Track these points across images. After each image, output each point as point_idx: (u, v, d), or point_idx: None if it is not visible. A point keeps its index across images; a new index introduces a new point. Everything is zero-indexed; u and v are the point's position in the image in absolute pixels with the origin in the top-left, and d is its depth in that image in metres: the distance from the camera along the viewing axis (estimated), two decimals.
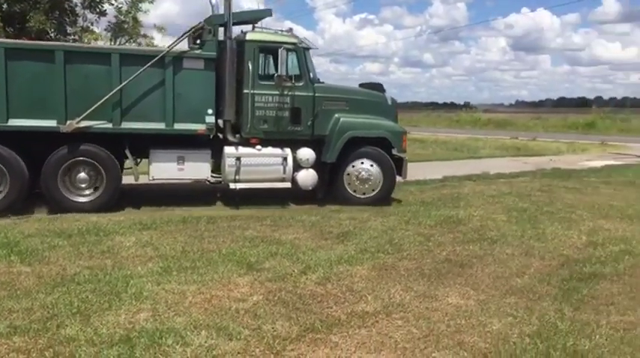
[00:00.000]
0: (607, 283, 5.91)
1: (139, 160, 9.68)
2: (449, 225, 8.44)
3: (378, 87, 11.24)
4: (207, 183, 10.18)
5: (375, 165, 10.18)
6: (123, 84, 8.85)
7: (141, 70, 8.87)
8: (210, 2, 9.68)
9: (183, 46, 9.42)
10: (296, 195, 10.29)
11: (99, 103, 8.73)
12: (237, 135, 9.70)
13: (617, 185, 13.19)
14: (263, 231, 7.87)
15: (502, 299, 5.36)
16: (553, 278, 6.03)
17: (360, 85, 11.53)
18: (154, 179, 9.45)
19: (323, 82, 10.39)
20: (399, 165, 10.33)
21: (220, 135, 9.82)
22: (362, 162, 10.14)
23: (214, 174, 9.76)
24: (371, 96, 10.66)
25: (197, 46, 9.37)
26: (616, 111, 44.43)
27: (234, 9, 9.50)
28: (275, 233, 7.74)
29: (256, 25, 10.07)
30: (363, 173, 10.14)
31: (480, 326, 4.67)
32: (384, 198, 10.29)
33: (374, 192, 10.22)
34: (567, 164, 17.66)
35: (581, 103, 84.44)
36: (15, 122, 8.59)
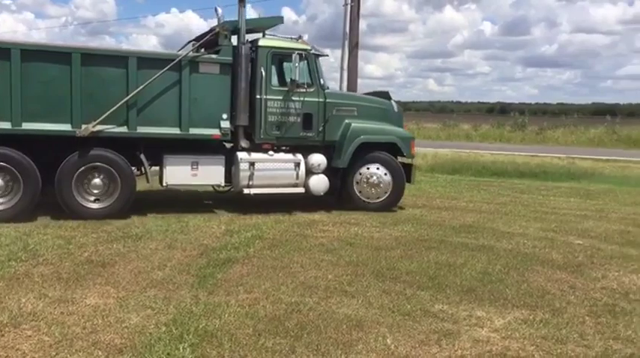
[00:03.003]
0: (239, 266, 6.54)
1: (150, 167, 9.28)
2: (92, 226, 8.20)
3: (384, 95, 11.11)
4: (215, 190, 10.41)
5: (384, 170, 10.33)
6: (140, 88, 8.70)
7: (158, 74, 8.78)
8: (216, 12, 9.57)
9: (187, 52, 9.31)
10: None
11: (116, 107, 8.59)
12: (247, 141, 9.65)
13: None
14: None
15: (142, 293, 5.47)
16: (192, 267, 6.40)
17: (366, 93, 11.56)
18: (167, 185, 9.30)
19: (330, 89, 10.44)
20: (408, 171, 10.55)
21: (226, 144, 9.82)
22: (371, 168, 10.30)
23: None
24: (379, 104, 10.76)
25: (205, 52, 9.34)
26: None
27: None
28: None
29: (266, 32, 10.17)
30: (374, 178, 10.28)
31: (118, 323, 4.68)
32: (393, 202, 10.50)
33: (384, 197, 10.36)
34: None
35: None
36: (29, 126, 8.33)
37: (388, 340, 4.57)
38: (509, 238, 8.44)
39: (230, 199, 11.02)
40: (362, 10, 18.60)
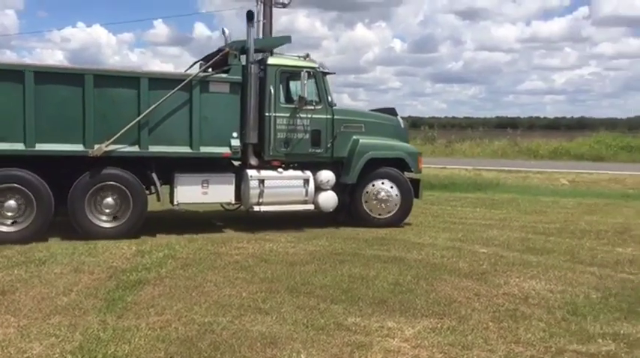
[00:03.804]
0: (150, 288, 6.37)
1: (161, 185, 9.32)
2: None
3: (391, 111, 11.22)
4: (224, 208, 10.47)
5: (392, 185, 10.46)
6: (151, 107, 8.83)
7: (169, 93, 8.91)
8: (223, 33, 9.81)
9: (195, 71, 9.51)
10: None
11: (128, 127, 8.71)
12: (256, 159, 9.69)
13: None
14: None
15: (45, 320, 5.22)
16: (100, 291, 6.18)
17: (373, 110, 11.50)
18: (178, 204, 9.40)
19: (338, 106, 10.52)
20: (415, 186, 10.67)
21: (235, 162, 9.92)
22: (377, 184, 10.43)
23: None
24: (386, 120, 10.93)
25: (214, 72, 9.53)
26: None
27: None
28: None
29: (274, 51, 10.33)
30: (382, 193, 10.41)
31: (19, 354, 4.45)
32: (401, 218, 10.63)
33: (392, 212, 10.51)
34: None
35: None
36: (42, 146, 8.42)
37: (302, 355, 4.61)
38: (420, 249, 8.73)
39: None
40: (276, 27, 18.86)
